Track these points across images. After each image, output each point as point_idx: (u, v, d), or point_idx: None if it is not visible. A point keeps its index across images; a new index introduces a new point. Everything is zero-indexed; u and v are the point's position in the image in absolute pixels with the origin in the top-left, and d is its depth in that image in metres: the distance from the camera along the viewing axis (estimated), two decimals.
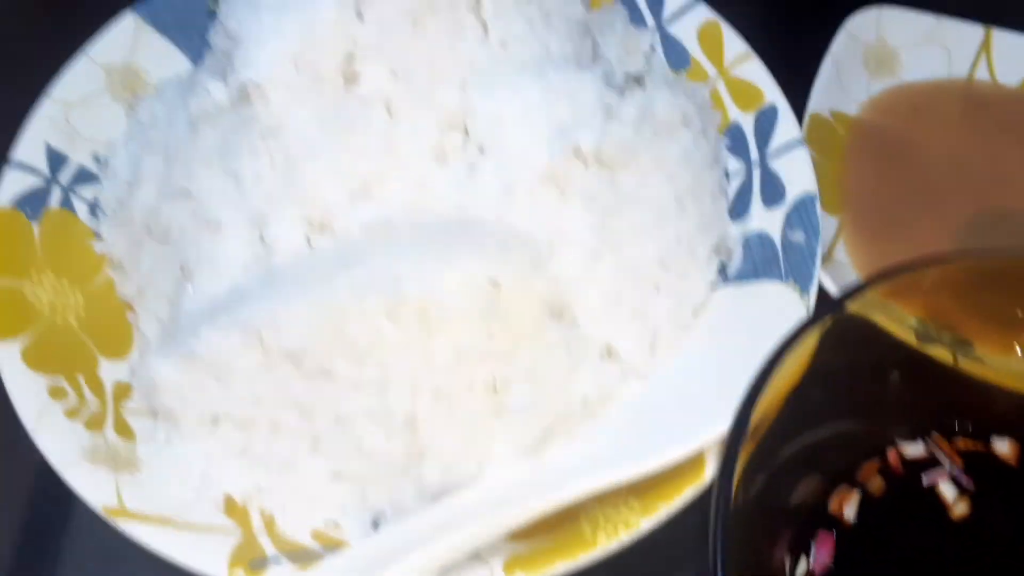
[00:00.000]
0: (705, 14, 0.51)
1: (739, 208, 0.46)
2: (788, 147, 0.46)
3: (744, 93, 0.48)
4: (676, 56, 0.51)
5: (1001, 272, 0.39)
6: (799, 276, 0.41)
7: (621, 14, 0.51)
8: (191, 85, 0.44)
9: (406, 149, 0.39)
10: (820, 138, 0.53)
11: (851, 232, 0.51)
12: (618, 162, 0.40)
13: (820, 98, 0.54)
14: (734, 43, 0.50)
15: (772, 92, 0.47)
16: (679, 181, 0.42)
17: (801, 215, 0.43)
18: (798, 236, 0.43)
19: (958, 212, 0.52)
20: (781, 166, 0.45)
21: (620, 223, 0.40)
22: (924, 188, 0.53)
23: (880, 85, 0.57)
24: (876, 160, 0.54)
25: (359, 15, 0.40)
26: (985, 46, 0.58)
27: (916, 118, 0.56)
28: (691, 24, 0.51)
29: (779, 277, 0.42)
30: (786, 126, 0.46)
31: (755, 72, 0.48)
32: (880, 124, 0.56)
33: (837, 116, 0.55)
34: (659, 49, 0.51)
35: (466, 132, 0.40)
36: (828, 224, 0.51)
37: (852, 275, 0.49)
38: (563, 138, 0.40)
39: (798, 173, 0.45)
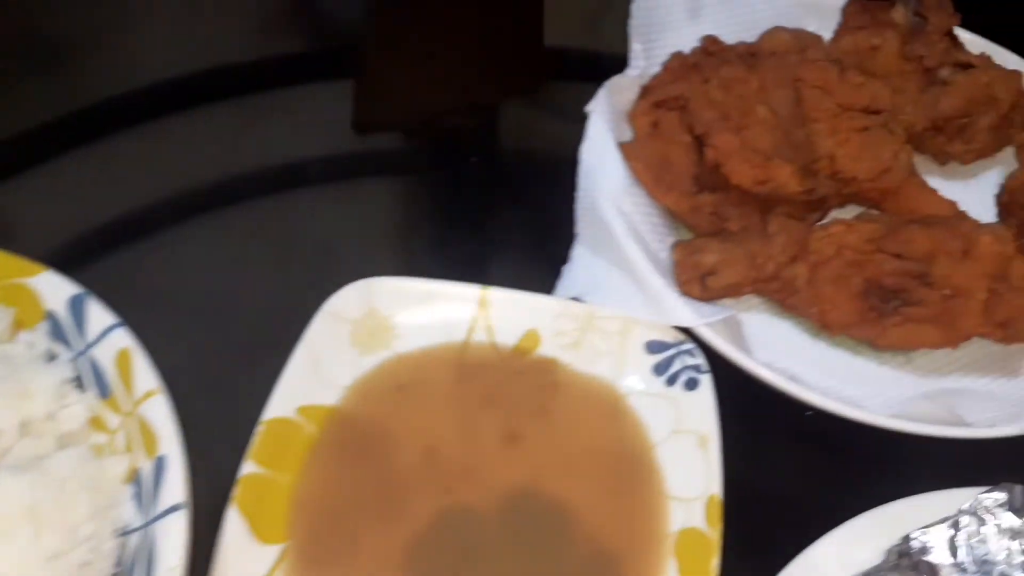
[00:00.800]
0: (124, 340, 0.46)
1: None
2: (169, 511, 0.41)
3: (147, 435, 0.44)
4: (101, 385, 0.47)
5: None
6: None
7: (36, 347, 0.46)
8: None
9: None
10: (276, 447, 0.48)
11: (292, 561, 0.46)
12: None
13: (286, 396, 0.50)
14: (146, 375, 0.45)
15: (168, 439, 0.42)
16: None
17: None
18: None
19: (419, 514, 0.48)
20: (161, 535, 0.41)
21: None
22: (388, 487, 0.49)
23: (371, 362, 0.54)
24: (344, 458, 0.50)
25: None
26: (483, 305, 0.56)
27: (400, 399, 0.52)
28: (111, 349, 0.46)
29: None
30: (172, 485, 0.41)
31: (158, 411, 0.43)
32: (358, 412, 0.51)
33: (308, 412, 0.51)
34: (84, 377, 0.47)
35: None
36: (268, 555, 0.47)
37: None
38: None
39: (171, 548, 0.40)
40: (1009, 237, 0.52)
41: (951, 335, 0.52)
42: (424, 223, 0.62)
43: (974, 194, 0.66)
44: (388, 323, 0.54)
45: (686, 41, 0.65)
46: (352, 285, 0.53)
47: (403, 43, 0.75)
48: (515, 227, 0.63)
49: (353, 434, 0.50)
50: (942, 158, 0.66)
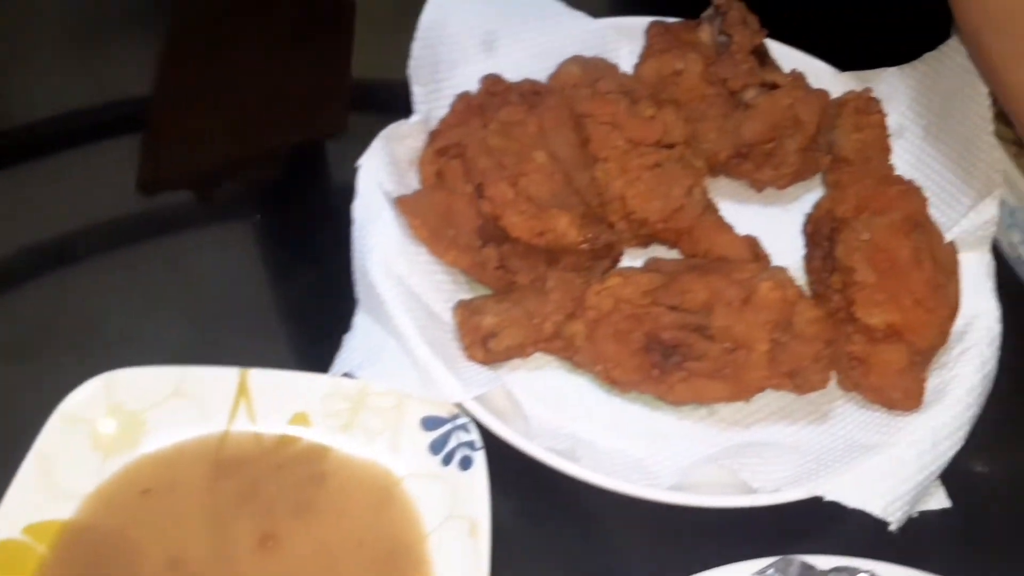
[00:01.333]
0: None
1: None
2: None
3: None
4: None
5: None
6: None
7: None
8: None
9: None
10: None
11: None
12: None
13: (9, 514, 0.45)
14: None
15: None
16: None
17: None
18: None
19: None
20: None
21: None
22: None
23: (116, 465, 0.49)
24: None
25: None
26: (243, 390, 0.51)
27: (145, 504, 0.47)
28: None
29: None
30: None
31: None
32: (96, 524, 0.46)
33: (37, 530, 0.46)
34: None
35: None
36: None
37: None
38: None
39: None
40: (790, 281, 0.49)
41: (739, 389, 0.49)
42: (195, 296, 0.57)
43: (796, 218, 0.63)
44: (136, 419, 0.49)
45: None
46: (91, 381, 0.49)
47: (195, 88, 0.70)
48: (299, 294, 0.59)
49: (88, 550, 0.46)
50: (758, 185, 0.63)
